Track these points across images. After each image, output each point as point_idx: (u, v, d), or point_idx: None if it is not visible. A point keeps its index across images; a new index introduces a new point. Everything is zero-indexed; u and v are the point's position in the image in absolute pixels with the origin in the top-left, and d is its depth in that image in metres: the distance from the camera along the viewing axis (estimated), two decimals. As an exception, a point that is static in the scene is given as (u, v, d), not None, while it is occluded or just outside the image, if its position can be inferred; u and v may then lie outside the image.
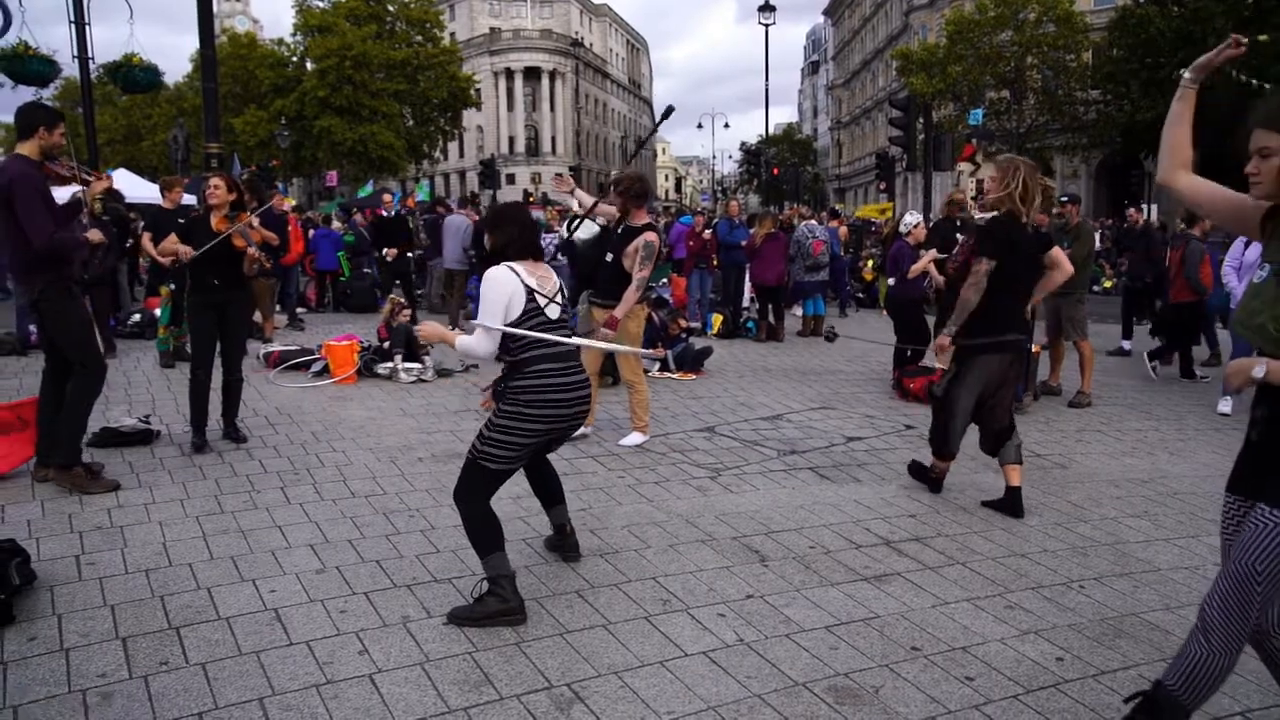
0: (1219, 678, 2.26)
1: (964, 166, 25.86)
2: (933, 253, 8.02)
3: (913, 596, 3.61)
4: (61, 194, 4.83)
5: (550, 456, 3.90)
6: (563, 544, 3.94)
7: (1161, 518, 4.63)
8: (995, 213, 4.52)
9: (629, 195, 5.98)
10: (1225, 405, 7.36)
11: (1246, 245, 7.13)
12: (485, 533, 3.34)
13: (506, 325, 3.35)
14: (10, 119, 4.82)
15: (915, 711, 2.76)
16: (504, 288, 3.38)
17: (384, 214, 13.16)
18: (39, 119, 4.62)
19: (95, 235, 5.07)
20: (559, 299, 3.51)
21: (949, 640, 3.23)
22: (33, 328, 8.80)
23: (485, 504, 3.38)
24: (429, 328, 3.69)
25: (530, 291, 3.40)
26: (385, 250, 12.56)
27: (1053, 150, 33.82)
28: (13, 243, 4.60)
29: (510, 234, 3.53)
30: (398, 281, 12.52)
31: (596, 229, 6.53)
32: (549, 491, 3.87)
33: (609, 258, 5.92)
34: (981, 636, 3.26)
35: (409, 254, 12.75)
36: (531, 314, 3.39)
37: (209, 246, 5.47)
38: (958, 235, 8.35)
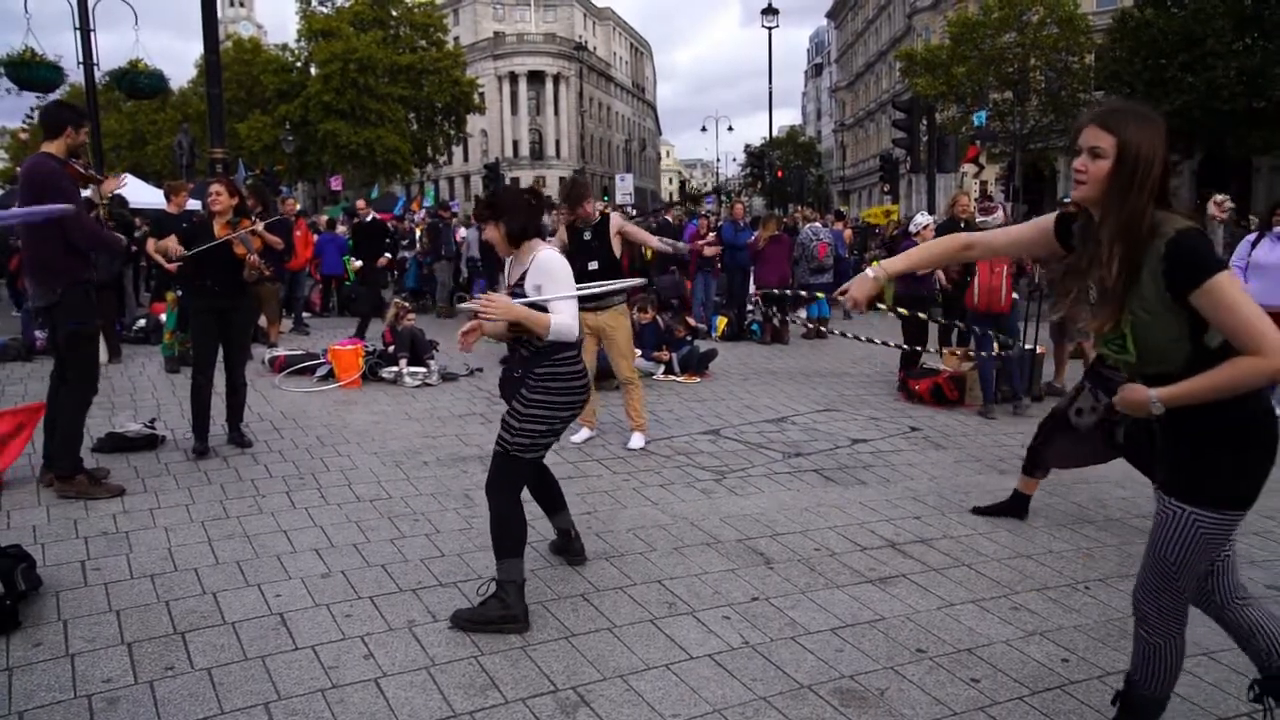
0: (1173, 664, 2.33)
1: (968, 168, 25.82)
2: None
3: (918, 598, 3.61)
4: None
5: (555, 459, 3.90)
6: (568, 548, 3.93)
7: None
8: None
9: (569, 203, 6.10)
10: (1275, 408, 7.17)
11: (1253, 245, 7.10)
12: (510, 535, 3.31)
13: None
14: (11, 124, 4.88)
15: (920, 713, 2.75)
16: (568, 267, 3.43)
17: (359, 220, 12.99)
18: (68, 119, 4.68)
19: (120, 236, 5.22)
20: None
21: (954, 642, 3.23)
22: (38, 333, 8.84)
23: (518, 501, 3.36)
24: (499, 302, 3.26)
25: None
26: (381, 260, 12.32)
27: (1056, 152, 33.75)
28: (37, 242, 4.61)
29: (526, 215, 3.44)
30: (400, 287, 12.47)
31: None
32: (550, 498, 3.84)
33: (593, 266, 5.92)
34: (987, 638, 3.26)
35: (388, 254, 12.44)
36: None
37: (202, 249, 5.47)
38: None
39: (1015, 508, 4.61)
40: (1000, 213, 7.34)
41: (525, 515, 3.38)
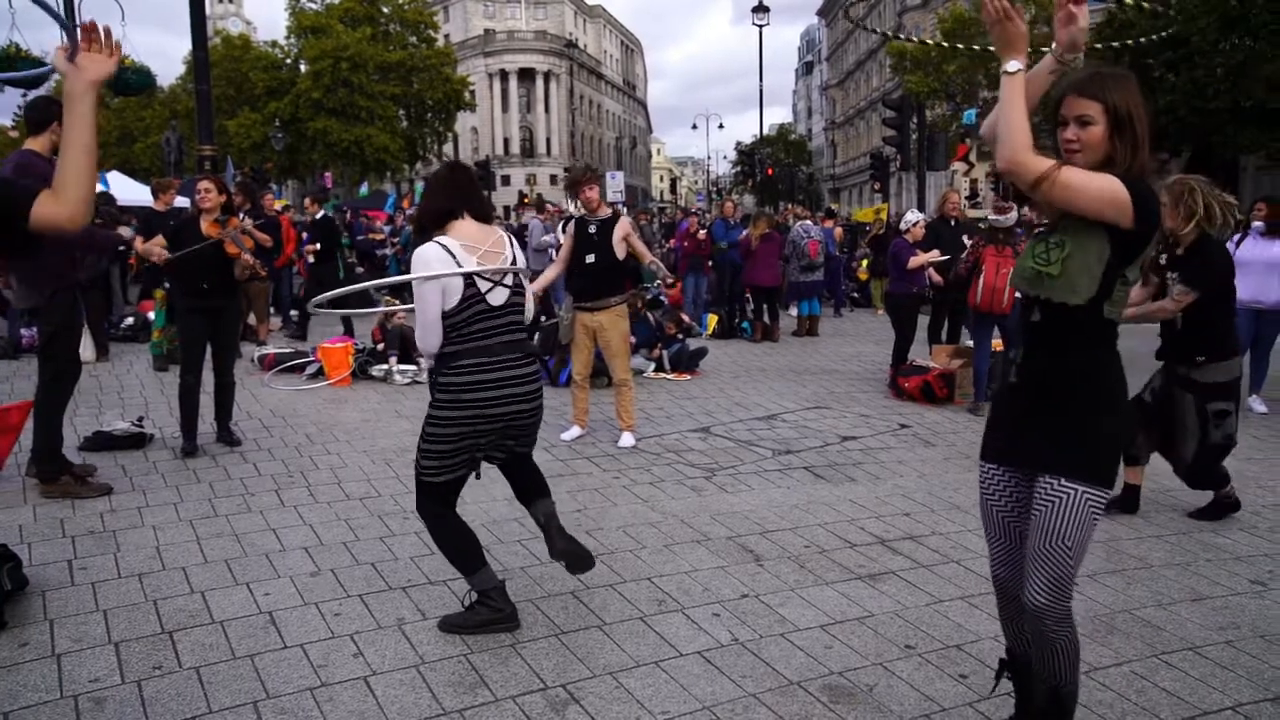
0: (1078, 646, 2.31)
1: (958, 166, 25.92)
2: (935, 253, 8.04)
3: (907, 595, 3.62)
4: None
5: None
6: (547, 538, 3.36)
7: (1153, 514, 4.65)
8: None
9: (569, 189, 6.12)
10: (1260, 405, 7.19)
11: (1238, 244, 7.14)
12: (459, 551, 3.19)
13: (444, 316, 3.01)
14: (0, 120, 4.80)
15: (909, 709, 2.77)
16: (433, 269, 2.99)
17: (310, 218, 12.67)
18: (54, 114, 4.54)
19: (126, 232, 5.16)
20: (510, 280, 3.11)
21: (943, 638, 3.24)
22: (24, 331, 8.78)
23: (447, 516, 3.19)
24: None
25: (468, 278, 3.01)
26: (306, 247, 11.75)
27: (1046, 151, 33.87)
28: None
29: (434, 197, 3.14)
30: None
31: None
32: (525, 489, 3.38)
33: (590, 259, 5.88)
34: (975, 634, 3.27)
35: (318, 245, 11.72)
36: (470, 302, 3.01)
37: (192, 250, 5.44)
38: (964, 237, 8.39)
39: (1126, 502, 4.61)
40: (1014, 213, 7.31)
41: (464, 523, 3.24)
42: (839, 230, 16.41)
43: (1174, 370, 4.49)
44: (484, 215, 3.20)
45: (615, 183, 34.91)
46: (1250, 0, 19.18)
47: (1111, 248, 2.12)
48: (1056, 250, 2.17)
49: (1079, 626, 3.30)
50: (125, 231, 5.26)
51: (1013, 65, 2.10)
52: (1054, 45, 2.25)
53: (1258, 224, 7.06)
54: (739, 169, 72.15)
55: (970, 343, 8.61)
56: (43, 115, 4.57)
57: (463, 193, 3.17)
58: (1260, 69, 18.80)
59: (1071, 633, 2.27)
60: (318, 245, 10.72)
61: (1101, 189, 2.07)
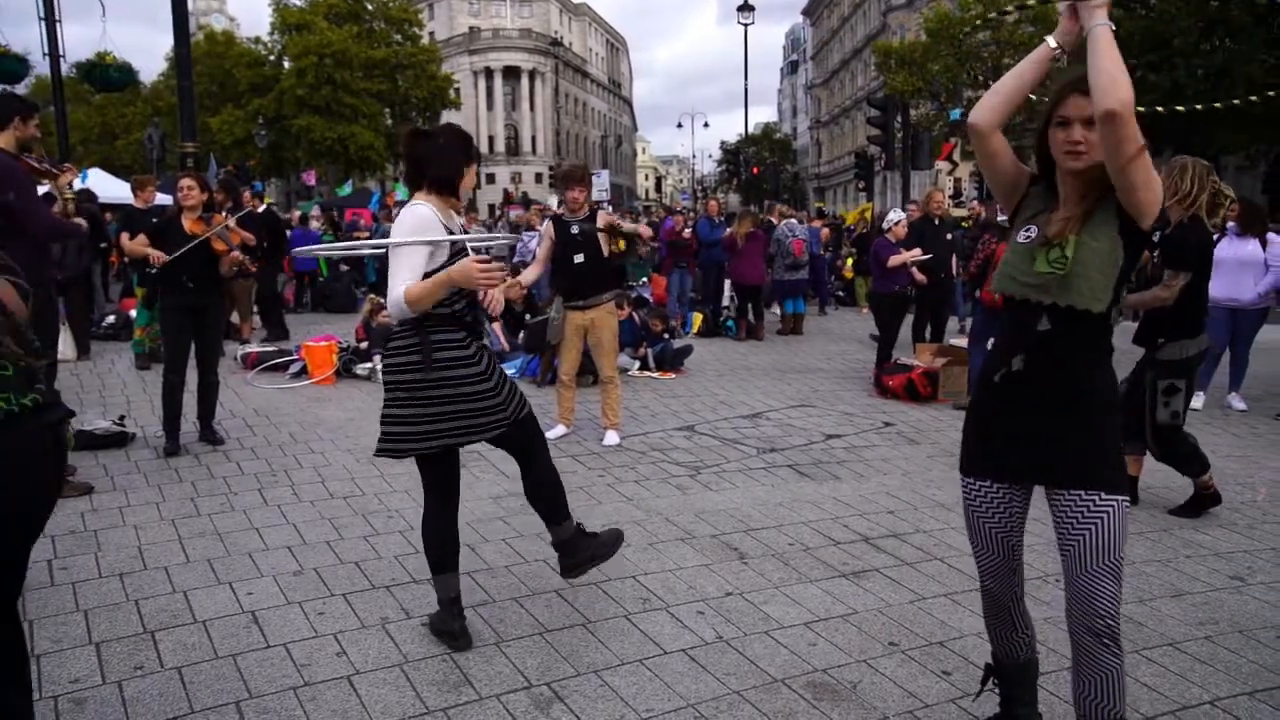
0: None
1: (942, 165, 26.04)
2: (916, 251, 8.09)
3: (891, 592, 3.64)
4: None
5: None
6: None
7: (1135, 512, 4.69)
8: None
9: (563, 180, 6.01)
10: (1239, 402, 7.28)
11: (1215, 243, 7.22)
12: (428, 546, 3.14)
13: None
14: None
15: (893, 706, 2.78)
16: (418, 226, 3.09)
17: (250, 212, 12.48)
18: (13, 109, 4.52)
19: (80, 221, 5.15)
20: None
21: (926, 635, 3.26)
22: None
23: (432, 509, 3.13)
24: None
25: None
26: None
27: (1030, 150, 34.05)
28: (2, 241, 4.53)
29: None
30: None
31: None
32: (544, 513, 3.29)
33: (579, 259, 5.88)
34: (958, 631, 3.29)
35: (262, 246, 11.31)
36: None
37: (185, 250, 5.41)
38: (948, 235, 8.44)
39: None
40: None
41: (449, 522, 3.12)
42: (825, 230, 16.46)
43: (1147, 355, 4.59)
44: (439, 187, 3.09)
45: (601, 181, 34.90)
46: (1230, 2, 19.38)
47: (1124, 251, 2.08)
48: (1073, 252, 2.10)
49: (1060, 623, 3.34)
50: (79, 221, 5.25)
51: (1102, 17, 1.99)
52: (1057, 37, 2.15)
53: (1231, 224, 7.16)
54: (724, 168, 72.36)
55: (954, 341, 8.68)
56: (3, 112, 4.51)
57: (415, 165, 3.11)
58: (1240, 70, 18.99)
59: (1122, 650, 2.19)
60: (265, 243, 10.60)
61: (1157, 181, 2.05)
